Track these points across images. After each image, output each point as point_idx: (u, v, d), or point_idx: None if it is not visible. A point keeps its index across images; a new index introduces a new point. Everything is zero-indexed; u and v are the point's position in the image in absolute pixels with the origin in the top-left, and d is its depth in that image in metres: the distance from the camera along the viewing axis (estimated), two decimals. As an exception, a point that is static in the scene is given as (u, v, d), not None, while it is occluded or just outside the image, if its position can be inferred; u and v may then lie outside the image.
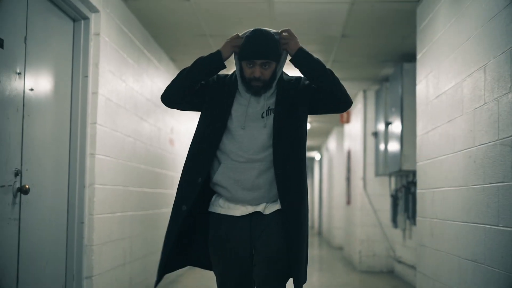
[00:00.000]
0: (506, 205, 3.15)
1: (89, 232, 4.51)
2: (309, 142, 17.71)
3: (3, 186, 3.41)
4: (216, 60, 2.89)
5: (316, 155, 22.25)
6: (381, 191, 9.01)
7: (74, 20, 4.46)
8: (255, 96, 2.91)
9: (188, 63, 3.04)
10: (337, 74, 2.93)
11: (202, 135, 2.94)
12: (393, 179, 8.36)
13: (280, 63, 2.90)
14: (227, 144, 2.89)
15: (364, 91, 9.17)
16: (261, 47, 2.82)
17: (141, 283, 5.91)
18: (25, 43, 3.67)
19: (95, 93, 4.56)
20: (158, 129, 6.64)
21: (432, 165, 4.70)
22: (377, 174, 8.78)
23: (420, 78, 5.15)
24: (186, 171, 2.94)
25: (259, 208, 2.88)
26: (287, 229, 2.82)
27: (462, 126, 3.91)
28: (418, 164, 5.21)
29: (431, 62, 4.76)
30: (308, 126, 17.27)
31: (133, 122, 5.61)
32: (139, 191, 5.81)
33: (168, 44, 6.60)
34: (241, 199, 2.88)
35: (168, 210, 6.21)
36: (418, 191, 5.25)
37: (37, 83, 3.87)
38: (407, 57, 6.89)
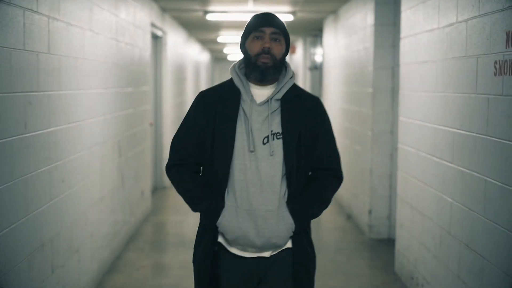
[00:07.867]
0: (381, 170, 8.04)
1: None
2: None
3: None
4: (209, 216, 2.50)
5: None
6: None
7: (156, 38, 9.09)
8: (262, 80, 2.46)
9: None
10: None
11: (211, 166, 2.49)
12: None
13: (287, 51, 2.52)
14: (234, 179, 2.46)
15: (304, 38, 13.30)
16: (271, 17, 2.49)
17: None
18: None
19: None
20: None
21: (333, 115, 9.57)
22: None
23: (324, 73, 9.85)
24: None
25: (265, 254, 2.50)
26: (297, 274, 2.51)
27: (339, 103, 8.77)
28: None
29: (329, 63, 9.46)
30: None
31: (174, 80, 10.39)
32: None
33: (194, 30, 11.48)
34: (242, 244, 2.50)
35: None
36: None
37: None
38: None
